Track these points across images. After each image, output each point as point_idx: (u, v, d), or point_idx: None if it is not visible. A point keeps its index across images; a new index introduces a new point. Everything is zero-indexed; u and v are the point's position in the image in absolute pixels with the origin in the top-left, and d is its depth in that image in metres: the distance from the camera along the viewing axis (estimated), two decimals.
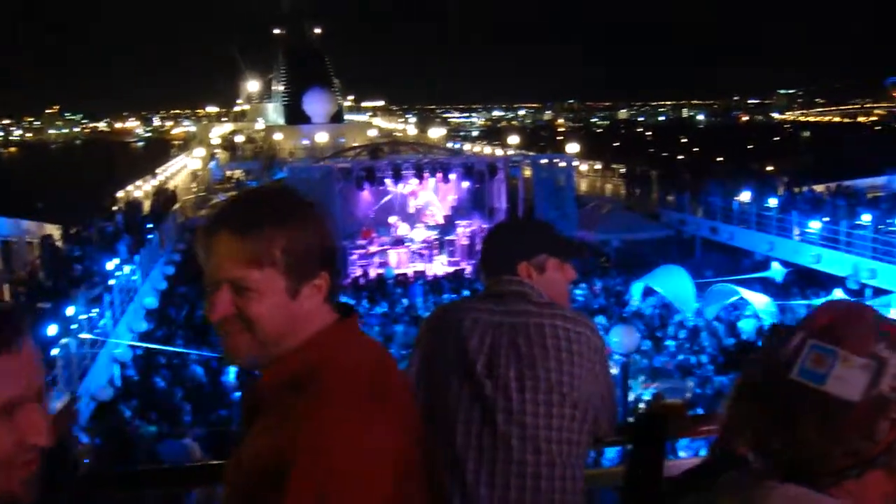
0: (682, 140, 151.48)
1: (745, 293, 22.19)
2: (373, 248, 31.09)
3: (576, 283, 25.33)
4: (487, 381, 2.58)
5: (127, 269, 22.04)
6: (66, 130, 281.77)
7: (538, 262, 2.84)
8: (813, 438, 1.40)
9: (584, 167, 44.97)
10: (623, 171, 42.57)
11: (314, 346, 1.76)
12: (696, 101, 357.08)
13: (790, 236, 27.13)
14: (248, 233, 1.70)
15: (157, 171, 48.79)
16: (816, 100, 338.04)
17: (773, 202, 29.59)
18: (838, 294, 22.44)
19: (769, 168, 65.82)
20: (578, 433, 2.62)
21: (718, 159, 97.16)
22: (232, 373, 17.23)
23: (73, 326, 16.56)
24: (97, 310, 18.41)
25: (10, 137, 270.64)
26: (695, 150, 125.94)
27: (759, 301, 21.69)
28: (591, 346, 2.66)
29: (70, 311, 17.21)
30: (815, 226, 26.55)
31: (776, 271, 25.37)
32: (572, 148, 44.14)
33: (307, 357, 1.74)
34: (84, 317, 17.34)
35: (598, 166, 45.93)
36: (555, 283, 2.86)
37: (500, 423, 2.56)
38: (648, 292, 24.08)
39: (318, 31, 71.62)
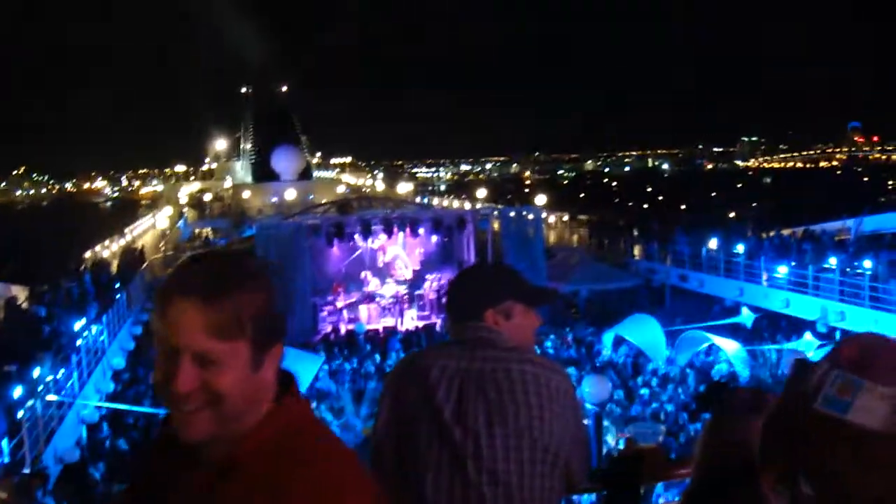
0: (648, 189, 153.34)
1: (716, 339, 22.29)
2: (341, 303, 31.07)
3: (546, 333, 25.48)
4: (456, 429, 2.56)
5: (94, 329, 21.83)
6: (33, 192, 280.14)
7: (504, 309, 2.83)
8: (844, 471, 1.38)
9: (552, 219, 45.18)
10: (591, 221, 42.78)
11: (283, 417, 1.71)
12: (661, 151, 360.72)
13: (759, 282, 27.36)
14: (216, 301, 1.60)
15: (125, 230, 48.52)
16: (780, 146, 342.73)
17: (740, 248, 29.84)
18: (808, 338, 22.62)
19: (731, 214, 66.60)
20: (550, 478, 2.58)
21: (682, 207, 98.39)
22: None
23: (40, 388, 16.33)
24: (64, 371, 18.19)
25: None
26: (659, 198, 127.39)
27: (730, 347, 21.79)
28: (560, 391, 2.64)
29: (36, 372, 16.99)
30: (783, 270, 26.78)
31: (746, 317, 25.52)
32: (540, 200, 44.43)
33: (282, 429, 1.69)
34: (50, 378, 17.13)
35: (566, 217, 46.13)
36: (521, 329, 2.85)
37: (470, 471, 2.53)
38: (619, 342, 24.15)
39: (284, 89, 71.85)
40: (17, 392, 15.47)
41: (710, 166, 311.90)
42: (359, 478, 1.69)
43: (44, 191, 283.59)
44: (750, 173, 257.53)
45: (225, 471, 1.65)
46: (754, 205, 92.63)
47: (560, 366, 2.79)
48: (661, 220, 42.54)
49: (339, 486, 1.61)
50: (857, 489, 1.37)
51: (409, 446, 2.63)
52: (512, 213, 32.84)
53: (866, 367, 1.42)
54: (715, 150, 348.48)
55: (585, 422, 15.66)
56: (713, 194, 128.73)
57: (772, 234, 34.40)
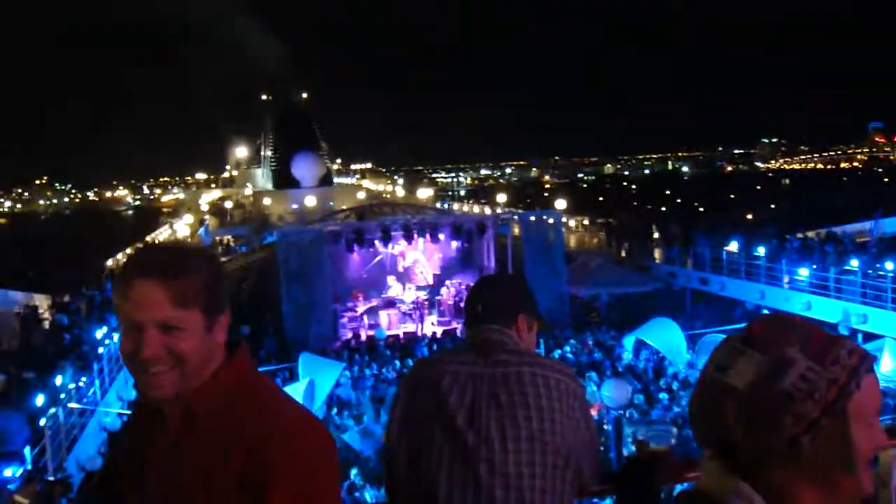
0: (667, 192, 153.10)
1: None
2: (361, 309, 31.14)
3: (567, 338, 25.44)
4: (469, 433, 2.60)
5: (116, 337, 21.94)
6: (56, 201, 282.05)
7: (531, 321, 2.99)
8: (731, 427, 1.56)
9: (572, 223, 45.08)
10: (611, 225, 42.68)
11: (231, 372, 2.04)
12: (682, 153, 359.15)
13: (780, 284, 27.19)
14: (175, 277, 1.90)
15: (147, 238, 48.69)
16: (800, 147, 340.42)
17: (761, 251, 29.67)
18: None
19: (749, 216, 66.48)
20: (562, 480, 2.62)
21: (700, 209, 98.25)
22: None
23: (62, 396, 16.45)
24: (86, 378, 18.30)
25: (0, 209, 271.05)
26: (678, 201, 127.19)
27: None
28: (570, 393, 2.69)
29: (58, 380, 17.10)
30: (804, 273, 26.61)
31: None
32: (560, 204, 44.33)
33: (235, 378, 2.04)
34: (73, 386, 17.24)
35: (587, 221, 46.03)
36: (532, 343, 2.98)
37: (483, 475, 2.57)
38: (640, 346, 24.04)
39: (304, 95, 71.92)
40: (40, 400, 15.58)
41: (729, 168, 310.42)
42: (306, 417, 2.04)
43: (66, 200, 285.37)
44: (770, 175, 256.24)
45: (186, 422, 1.96)
46: (772, 207, 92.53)
47: (569, 368, 2.83)
48: (679, 222, 42.30)
49: (289, 424, 1.95)
50: (740, 449, 1.57)
51: (421, 449, 2.68)
52: (532, 218, 32.75)
53: (757, 339, 1.60)
54: (736, 151, 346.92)
55: (605, 426, 15.67)
56: (731, 196, 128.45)
57: (796, 236, 34.19)
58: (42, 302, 27.55)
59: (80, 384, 17.81)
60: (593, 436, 2.83)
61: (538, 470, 2.57)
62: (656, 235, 38.06)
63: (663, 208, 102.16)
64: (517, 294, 3.07)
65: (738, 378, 1.57)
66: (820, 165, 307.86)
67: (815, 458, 1.52)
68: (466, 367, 2.73)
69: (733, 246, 31.55)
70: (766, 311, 25.92)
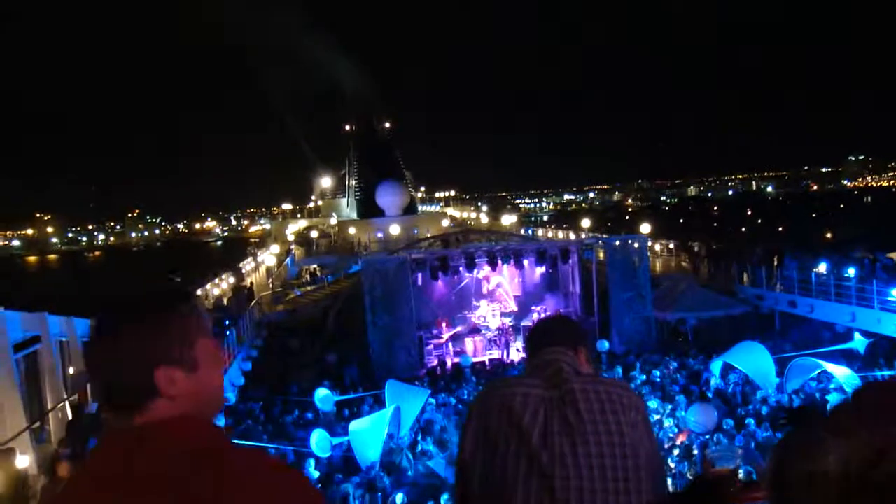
0: (748, 213, 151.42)
1: (828, 366, 21.71)
2: (446, 336, 31.32)
3: (654, 363, 25.25)
4: (543, 452, 2.73)
5: None
6: (147, 233, 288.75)
7: (587, 354, 3.20)
8: None
9: (657, 247, 44.70)
10: (695, 248, 42.19)
11: None
12: (770, 173, 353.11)
13: (872, 306, 26.58)
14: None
15: (235, 268, 49.53)
16: (888, 164, 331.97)
17: (851, 272, 29.10)
18: None
19: (828, 235, 65.30)
20: (637, 493, 2.73)
21: (779, 229, 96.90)
22: (311, 465, 17.31)
23: None
24: None
25: (95, 242, 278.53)
26: (759, 221, 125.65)
27: (842, 373, 21.20)
28: (633, 407, 2.85)
29: None
30: None
31: (859, 342, 24.83)
32: (645, 228, 44.01)
33: None
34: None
35: (672, 245, 45.58)
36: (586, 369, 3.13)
37: (557, 491, 2.69)
38: (728, 370, 23.73)
39: (387, 124, 72.62)
40: None
41: (815, 187, 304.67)
42: None
43: (157, 232, 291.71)
44: (856, 193, 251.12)
45: None
46: (853, 226, 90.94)
47: (628, 385, 2.97)
48: (763, 244, 41.64)
49: None
50: None
51: (496, 468, 2.81)
52: (617, 243, 32.61)
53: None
54: (823, 170, 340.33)
55: (695, 451, 15.50)
56: (813, 216, 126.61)
57: (886, 255, 33.43)
58: None
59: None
60: (656, 448, 2.95)
61: (610, 484, 2.69)
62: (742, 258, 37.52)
63: (743, 229, 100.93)
64: (576, 329, 3.27)
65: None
66: None
67: None
68: (536, 390, 2.87)
69: (822, 267, 31.01)
70: (857, 334, 25.43)
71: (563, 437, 2.74)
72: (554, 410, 2.80)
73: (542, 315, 30.66)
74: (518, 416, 2.81)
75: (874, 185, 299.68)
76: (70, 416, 17.78)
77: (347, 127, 73.45)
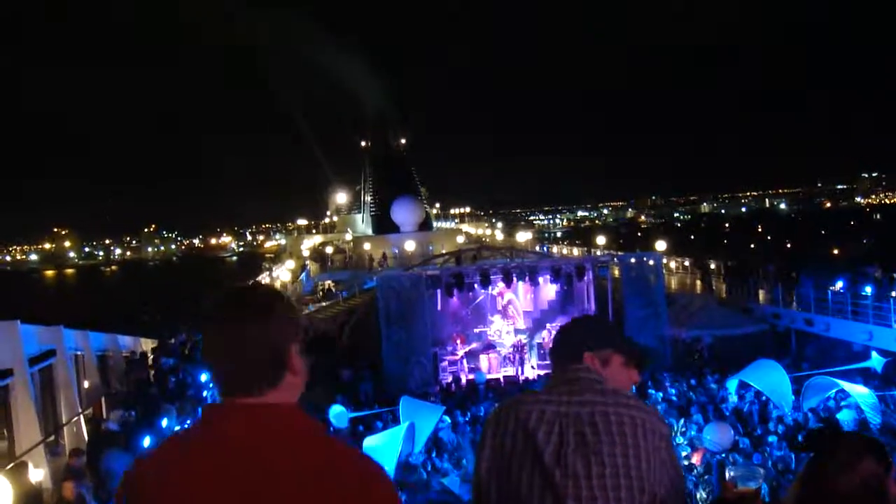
0: (759, 229, 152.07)
1: (845, 385, 21.59)
2: (461, 353, 31.29)
3: (671, 382, 25.15)
4: (557, 471, 2.70)
5: None
6: (163, 248, 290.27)
7: (603, 356, 3.04)
8: None
9: (672, 264, 44.57)
10: (711, 266, 42.03)
11: None
12: (784, 190, 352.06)
13: (889, 324, 26.41)
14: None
15: (250, 283, 49.45)
16: None
17: (868, 290, 28.95)
18: None
19: (835, 251, 65.37)
20: None
21: (788, 246, 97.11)
22: None
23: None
24: (190, 421, 18.65)
25: (112, 256, 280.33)
26: (768, 238, 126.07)
27: (860, 392, 21.07)
28: (656, 432, 2.78)
29: (164, 423, 17.51)
30: None
31: (876, 361, 24.69)
32: (660, 245, 43.90)
33: None
34: (178, 429, 17.57)
35: (687, 263, 45.42)
36: (617, 380, 3.02)
37: None
38: (744, 388, 23.63)
39: (403, 140, 72.71)
40: (147, 442, 15.95)
41: (828, 204, 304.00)
42: None
43: (173, 247, 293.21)
44: (867, 210, 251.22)
45: None
46: (864, 241, 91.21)
47: (655, 408, 2.90)
48: (776, 262, 41.50)
49: None
50: None
51: (511, 485, 2.78)
52: (632, 260, 32.53)
53: None
54: (839, 187, 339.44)
55: (707, 474, 15.40)
56: (822, 232, 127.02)
57: None
58: (149, 346, 28.33)
59: (186, 426, 18.15)
60: (680, 475, 2.90)
61: None
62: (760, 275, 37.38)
63: (752, 245, 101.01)
64: (606, 332, 3.18)
65: None
66: None
67: None
68: (553, 407, 2.83)
69: (838, 285, 30.88)
70: (875, 353, 25.30)
71: (577, 455, 2.70)
72: (570, 427, 2.76)
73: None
74: (532, 431, 2.78)
75: (888, 202, 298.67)
76: (85, 430, 17.84)
77: (363, 143, 73.61)
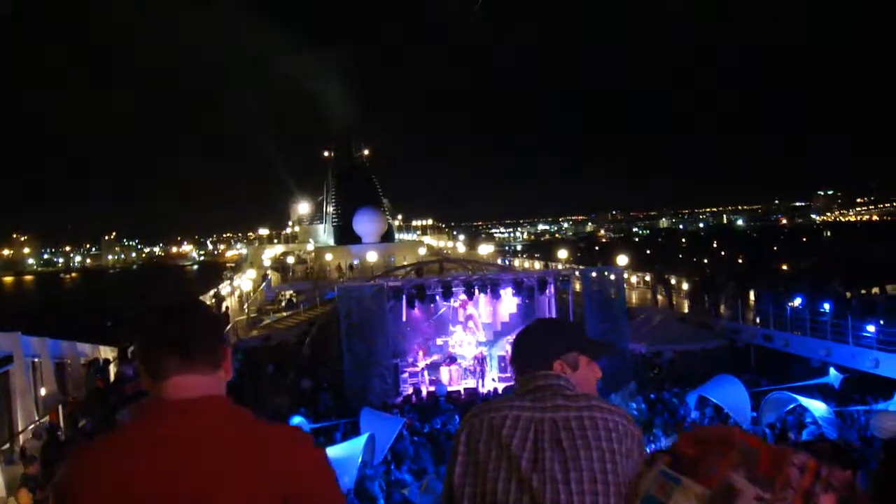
0: (714, 245, 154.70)
1: (803, 400, 21.77)
2: (422, 364, 31.27)
3: (631, 395, 25.21)
4: (534, 476, 2.69)
5: None
6: (123, 256, 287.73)
7: (571, 360, 3.06)
8: None
9: (633, 279, 44.81)
10: (672, 281, 42.29)
11: None
12: (743, 206, 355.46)
13: (847, 341, 26.68)
14: None
15: (210, 292, 49.22)
16: (857, 199, 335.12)
17: (826, 307, 29.25)
18: None
19: (784, 267, 66.63)
20: None
21: (739, 261, 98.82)
22: None
23: None
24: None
25: (72, 264, 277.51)
26: (722, 253, 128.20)
27: (818, 408, 21.25)
28: (629, 435, 2.80)
29: None
30: (871, 329, 26.14)
31: (834, 377, 24.93)
32: (622, 260, 44.14)
33: None
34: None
35: (647, 277, 45.70)
36: (586, 380, 3.07)
37: None
38: (703, 403, 23.76)
39: (366, 152, 72.63)
40: None
41: (784, 221, 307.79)
42: None
43: (133, 255, 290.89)
44: (818, 228, 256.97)
45: None
46: (812, 258, 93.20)
47: (625, 411, 2.91)
48: (735, 278, 41.94)
49: None
50: None
51: (486, 491, 2.77)
52: (594, 274, 32.65)
53: (693, 464, 1.43)
54: (797, 204, 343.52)
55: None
56: (774, 248, 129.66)
57: (861, 292, 33.62)
58: (109, 353, 28.05)
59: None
60: None
61: None
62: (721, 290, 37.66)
63: (706, 260, 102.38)
64: (571, 335, 3.18)
65: None
66: (875, 217, 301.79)
67: None
68: (527, 412, 2.83)
69: (797, 301, 31.18)
70: (832, 368, 25.56)
71: (554, 461, 2.70)
72: (545, 432, 2.76)
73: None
74: (507, 438, 2.78)
75: (843, 219, 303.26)
76: (42, 437, 17.61)
77: (326, 153, 73.42)
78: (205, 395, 2.39)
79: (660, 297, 40.67)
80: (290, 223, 75.95)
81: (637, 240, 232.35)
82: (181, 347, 2.40)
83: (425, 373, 31.20)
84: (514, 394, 3.04)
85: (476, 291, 31.59)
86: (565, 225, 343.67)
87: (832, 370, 25.45)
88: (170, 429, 2.31)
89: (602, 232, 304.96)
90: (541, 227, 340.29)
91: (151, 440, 2.29)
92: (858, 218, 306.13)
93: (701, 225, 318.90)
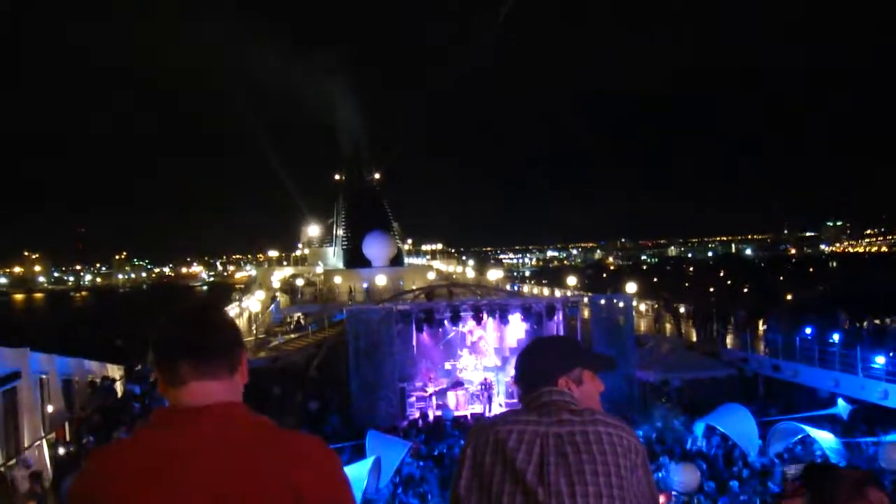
0: (721, 274, 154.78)
1: (811, 431, 21.70)
2: (430, 389, 31.21)
3: (635, 423, 25.16)
4: (539, 490, 2.71)
5: None
6: (134, 275, 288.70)
7: (575, 376, 3.11)
8: None
9: (642, 306, 44.73)
10: (681, 309, 42.19)
11: None
12: (753, 236, 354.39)
13: (856, 372, 26.57)
14: None
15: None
16: (865, 231, 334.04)
17: (836, 338, 29.16)
18: None
19: (788, 297, 66.66)
20: None
21: (744, 290, 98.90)
22: None
23: None
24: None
25: (82, 282, 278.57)
26: (728, 283, 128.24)
27: (825, 438, 21.18)
28: (633, 449, 2.83)
29: None
30: (880, 361, 26.04)
31: (842, 408, 24.84)
32: (630, 287, 44.07)
33: None
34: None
35: (656, 305, 45.58)
36: (589, 394, 3.12)
37: None
38: (711, 432, 23.69)
39: (377, 175, 72.82)
40: None
41: (793, 251, 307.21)
42: None
43: (143, 274, 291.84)
44: (825, 258, 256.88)
45: None
46: (820, 288, 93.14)
47: (628, 426, 2.93)
48: (745, 307, 41.86)
49: None
50: None
51: None
52: (602, 301, 32.63)
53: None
54: (807, 234, 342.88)
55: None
56: (780, 278, 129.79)
57: (873, 322, 33.52)
58: (116, 372, 28.10)
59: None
60: (654, 492, 2.93)
61: None
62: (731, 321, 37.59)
63: (711, 289, 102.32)
64: (573, 352, 3.24)
65: None
66: (885, 249, 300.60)
67: None
68: (532, 427, 2.85)
69: (807, 331, 31.09)
70: (841, 399, 25.46)
71: (559, 474, 2.72)
72: (550, 447, 2.78)
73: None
74: (512, 452, 2.79)
75: (851, 250, 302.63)
76: (48, 454, 17.64)
77: (337, 176, 73.64)
78: (221, 401, 2.42)
79: (668, 325, 40.58)
80: (299, 245, 76.09)
81: (645, 268, 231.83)
82: (197, 353, 2.43)
83: (433, 397, 31.18)
84: (518, 411, 3.06)
85: (485, 316, 31.58)
86: (574, 252, 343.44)
87: (840, 401, 25.36)
88: (186, 435, 2.33)
89: (610, 259, 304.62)
90: (549, 253, 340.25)
91: (168, 446, 2.31)
92: (867, 249, 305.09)
93: (710, 254, 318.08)
